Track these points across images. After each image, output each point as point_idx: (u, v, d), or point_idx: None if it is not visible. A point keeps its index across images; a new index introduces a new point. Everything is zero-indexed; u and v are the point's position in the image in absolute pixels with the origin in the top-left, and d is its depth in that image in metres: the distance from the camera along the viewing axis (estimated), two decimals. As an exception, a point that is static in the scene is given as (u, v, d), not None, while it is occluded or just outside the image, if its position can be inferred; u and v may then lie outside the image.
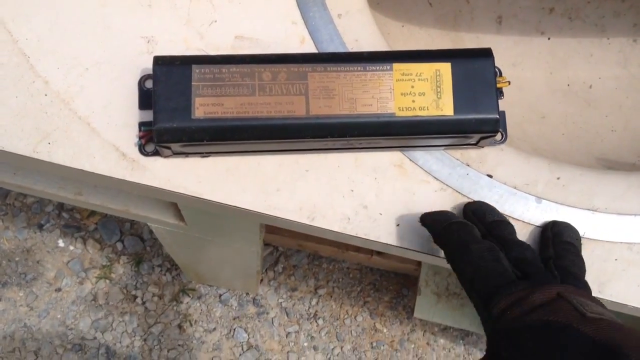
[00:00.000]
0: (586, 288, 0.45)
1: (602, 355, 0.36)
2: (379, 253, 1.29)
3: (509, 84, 0.50)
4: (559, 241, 0.49)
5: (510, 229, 0.48)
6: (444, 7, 0.69)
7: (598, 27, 0.72)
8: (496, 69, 0.49)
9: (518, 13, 0.72)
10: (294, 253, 1.55)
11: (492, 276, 0.43)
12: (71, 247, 1.52)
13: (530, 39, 0.72)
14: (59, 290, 1.49)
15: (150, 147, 0.50)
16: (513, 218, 0.52)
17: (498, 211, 0.50)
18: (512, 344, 0.40)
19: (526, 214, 0.51)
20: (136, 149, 0.50)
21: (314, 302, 1.52)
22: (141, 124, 0.50)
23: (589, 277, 0.48)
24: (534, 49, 0.71)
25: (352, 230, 0.51)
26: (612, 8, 0.72)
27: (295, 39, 0.54)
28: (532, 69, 0.70)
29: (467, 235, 0.46)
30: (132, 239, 1.53)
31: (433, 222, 0.49)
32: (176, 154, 0.50)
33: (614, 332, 0.37)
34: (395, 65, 0.48)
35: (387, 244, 0.51)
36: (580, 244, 0.50)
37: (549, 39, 0.72)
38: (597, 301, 0.42)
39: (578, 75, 0.70)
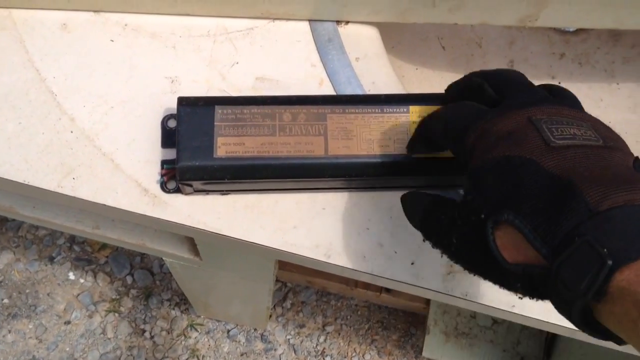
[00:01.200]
0: (573, 103, 0.41)
1: (557, 193, 0.34)
2: (387, 290, 1.30)
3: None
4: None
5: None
6: (456, 51, 0.71)
7: (608, 72, 0.73)
8: None
9: (529, 58, 0.73)
10: (303, 289, 1.55)
11: (460, 118, 0.41)
12: (81, 280, 1.53)
13: (541, 83, 0.73)
14: (68, 323, 1.49)
15: (172, 185, 0.51)
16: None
17: None
18: (474, 185, 0.38)
19: (539, 255, 0.52)
20: (158, 186, 0.51)
21: (321, 339, 1.52)
22: (163, 162, 0.52)
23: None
24: (545, 92, 0.73)
25: (367, 268, 0.52)
26: (622, 54, 0.73)
27: (314, 81, 0.55)
28: (543, 112, 0.72)
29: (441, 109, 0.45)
30: (142, 273, 1.54)
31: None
32: (197, 191, 0.51)
33: (576, 163, 0.34)
34: (412, 108, 0.50)
35: (402, 282, 0.51)
36: None
37: (559, 83, 0.73)
38: (580, 117, 0.38)
39: (588, 119, 0.72)
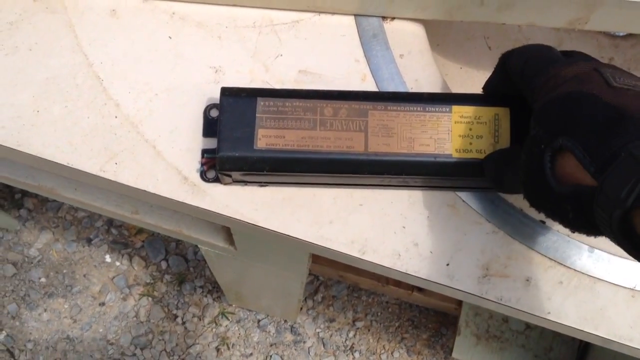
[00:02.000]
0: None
1: (611, 119, 0.36)
2: (419, 289, 1.29)
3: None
4: None
5: None
6: (502, 51, 0.70)
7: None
8: None
9: (577, 61, 0.72)
10: (334, 283, 1.55)
11: (540, 60, 0.44)
12: (117, 263, 1.56)
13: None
14: (102, 304, 1.52)
15: (211, 174, 0.52)
16: (565, 265, 0.51)
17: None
18: (538, 120, 0.40)
19: (578, 262, 0.51)
20: (197, 174, 0.52)
21: (351, 334, 1.52)
22: (204, 151, 0.52)
23: (637, 331, 0.48)
24: (591, 97, 0.72)
25: (401, 266, 0.52)
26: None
27: (357, 76, 0.55)
28: (588, 117, 0.70)
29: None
30: (177, 259, 1.56)
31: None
32: (236, 181, 0.51)
33: (634, 100, 0.37)
34: (455, 108, 0.49)
35: (437, 282, 0.51)
36: None
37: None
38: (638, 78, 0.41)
39: None
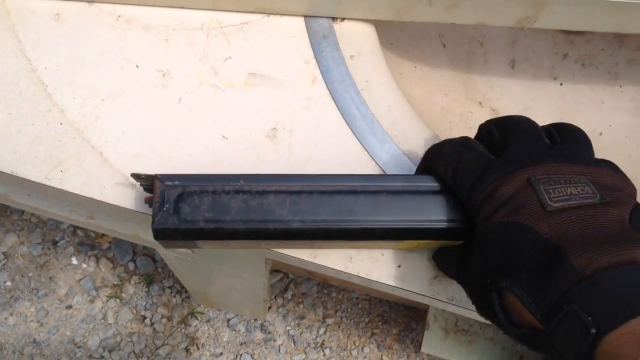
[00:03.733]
0: (577, 149, 0.42)
1: (549, 259, 0.36)
2: (388, 285, 1.29)
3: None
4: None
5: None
6: (457, 49, 0.70)
7: (611, 74, 0.72)
8: None
9: (531, 57, 0.72)
10: (304, 281, 1.55)
11: (468, 169, 0.42)
12: (84, 265, 1.54)
13: (542, 84, 0.72)
14: (69, 307, 1.50)
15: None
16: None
17: None
18: (481, 250, 0.40)
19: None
20: (146, 180, 0.51)
21: (321, 331, 1.52)
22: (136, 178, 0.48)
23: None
24: (545, 94, 0.72)
25: (353, 269, 0.51)
26: (626, 56, 0.72)
27: (307, 78, 0.55)
28: (543, 114, 0.70)
29: (443, 142, 0.46)
30: (144, 260, 1.54)
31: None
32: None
33: (569, 227, 0.37)
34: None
35: (388, 284, 0.51)
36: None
37: (561, 84, 0.72)
38: (580, 172, 0.40)
39: (589, 122, 0.71)
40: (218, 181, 0.47)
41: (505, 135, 0.43)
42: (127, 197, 0.51)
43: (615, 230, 0.36)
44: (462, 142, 0.44)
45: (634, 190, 0.40)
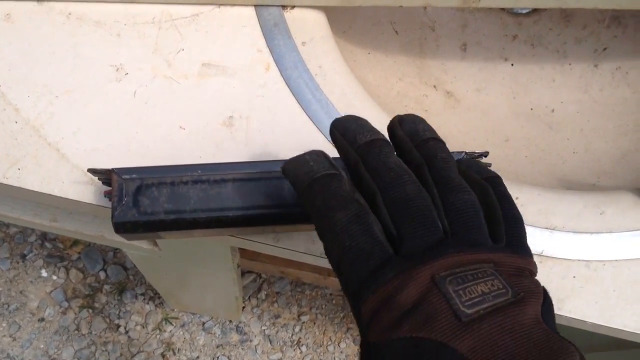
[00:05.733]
0: (476, 230, 0.36)
1: None
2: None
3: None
4: (429, 154, 0.39)
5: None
6: (409, 35, 0.71)
7: (560, 53, 0.74)
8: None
9: (482, 40, 0.74)
10: (277, 280, 1.55)
11: (359, 260, 0.34)
12: (54, 277, 1.53)
13: (494, 65, 0.74)
14: (42, 320, 1.49)
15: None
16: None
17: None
18: None
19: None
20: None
21: (297, 329, 1.53)
22: (93, 173, 0.49)
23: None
24: (497, 74, 0.74)
25: (316, 250, 0.52)
26: (573, 35, 0.74)
27: (260, 67, 0.55)
28: (496, 94, 0.72)
29: (332, 199, 0.36)
30: (115, 268, 1.54)
31: (294, 176, 0.39)
32: None
33: (493, 343, 0.31)
34: None
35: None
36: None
37: (512, 65, 0.74)
38: (483, 260, 0.34)
39: (541, 100, 0.72)
40: (176, 172, 0.47)
41: (397, 220, 0.35)
42: (87, 192, 0.51)
43: (539, 337, 0.32)
44: (357, 218, 0.35)
45: (535, 267, 0.37)
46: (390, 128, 0.41)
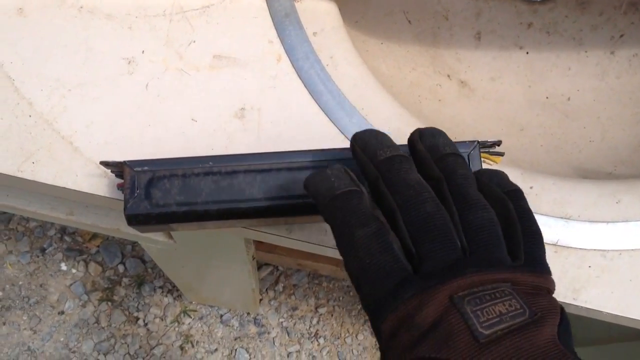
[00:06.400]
0: (495, 248, 0.36)
1: None
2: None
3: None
4: (450, 173, 0.39)
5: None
6: (422, 25, 0.71)
7: (576, 40, 0.73)
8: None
9: (497, 29, 0.73)
10: (294, 272, 1.56)
11: (378, 278, 0.35)
12: (73, 270, 1.54)
13: (509, 54, 0.73)
14: (62, 313, 1.50)
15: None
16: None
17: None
18: None
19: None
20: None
21: (314, 321, 1.53)
22: (106, 165, 0.49)
23: (560, 285, 0.49)
24: (512, 63, 0.73)
25: (329, 242, 0.52)
26: (589, 22, 0.73)
27: (272, 57, 0.55)
28: (511, 83, 0.71)
29: (352, 216, 0.36)
30: (134, 261, 1.55)
31: (316, 192, 0.39)
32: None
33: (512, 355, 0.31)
34: None
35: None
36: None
37: (527, 53, 0.73)
38: (501, 279, 0.35)
39: (556, 88, 0.72)
40: (187, 164, 0.47)
41: (416, 238, 0.36)
42: (100, 184, 0.51)
43: (555, 358, 0.32)
44: (377, 235, 0.35)
45: (553, 284, 0.37)
46: (411, 142, 0.42)
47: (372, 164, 0.39)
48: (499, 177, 0.41)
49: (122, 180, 0.48)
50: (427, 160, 0.40)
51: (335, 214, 0.37)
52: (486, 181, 0.40)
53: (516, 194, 0.40)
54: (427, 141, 0.41)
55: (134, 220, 0.47)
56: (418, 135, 0.42)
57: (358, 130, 0.50)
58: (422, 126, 0.52)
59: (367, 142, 0.41)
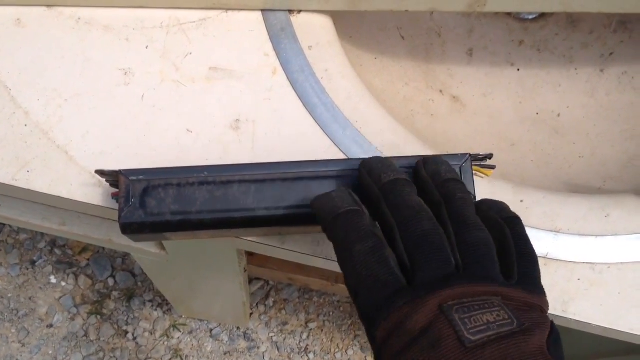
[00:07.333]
0: (487, 265, 0.38)
1: None
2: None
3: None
4: (449, 195, 0.41)
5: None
6: (415, 40, 0.72)
7: (566, 58, 0.74)
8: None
9: (488, 46, 0.74)
10: (285, 287, 1.55)
11: (374, 289, 0.37)
12: (63, 283, 1.53)
13: (500, 70, 0.74)
14: (50, 326, 1.49)
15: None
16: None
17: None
18: None
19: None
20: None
21: (304, 336, 1.53)
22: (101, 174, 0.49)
23: (550, 298, 0.49)
24: (504, 79, 0.74)
25: (321, 253, 0.52)
26: (580, 40, 0.74)
27: (268, 70, 0.56)
28: (502, 99, 0.72)
29: (352, 232, 0.39)
30: (124, 275, 1.54)
31: (321, 211, 0.42)
32: None
33: None
34: None
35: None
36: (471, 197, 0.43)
37: (518, 70, 0.74)
38: (492, 292, 0.36)
39: (547, 105, 0.73)
40: (182, 173, 0.48)
41: (412, 253, 0.38)
42: (95, 194, 0.52)
43: None
44: (374, 250, 0.38)
45: (547, 304, 0.38)
46: (415, 169, 0.45)
47: (376, 187, 0.42)
48: (499, 206, 0.42)
49: (116, 190, 0.48)
50: (428, 185, 0.42)
51: (337, 231, 0.40)
52: (485, 208, 0.42)
53: (514, 221, 0.41)
54: (430, 168, 0.44)
55: (128, 228, 0.47)
56: (422, 163, 0.44)
57: (351, 142, 0.51)
58: (415, 140, 0.53)
59: (373, 166, 0.43)
